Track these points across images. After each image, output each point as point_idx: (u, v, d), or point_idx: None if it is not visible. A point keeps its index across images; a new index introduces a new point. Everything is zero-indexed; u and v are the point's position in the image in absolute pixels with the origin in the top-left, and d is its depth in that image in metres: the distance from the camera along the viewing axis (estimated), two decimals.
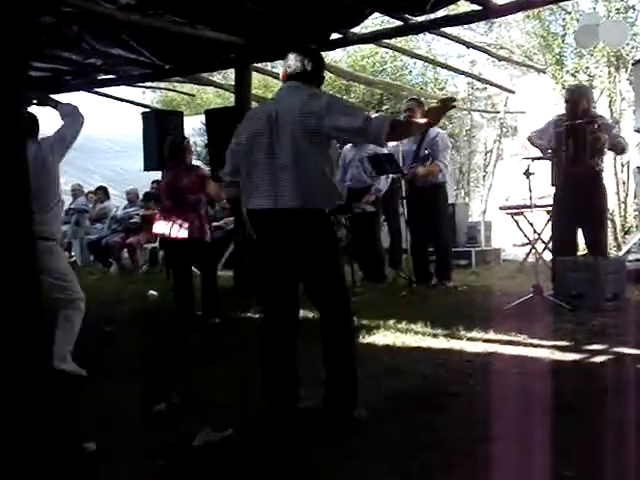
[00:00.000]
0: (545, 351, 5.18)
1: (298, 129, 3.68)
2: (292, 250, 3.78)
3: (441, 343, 5.52)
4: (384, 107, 15.87)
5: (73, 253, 14.74)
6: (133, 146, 12.31)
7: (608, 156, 9.50)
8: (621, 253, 10.20)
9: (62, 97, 5.95)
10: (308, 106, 3.70)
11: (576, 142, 6.89)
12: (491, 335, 5.63)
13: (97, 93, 10.72)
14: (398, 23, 7.71)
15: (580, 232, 7.31)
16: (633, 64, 10.66)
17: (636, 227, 12.23)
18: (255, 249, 3.99)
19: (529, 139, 7.36)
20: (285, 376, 3.89)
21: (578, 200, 6.94)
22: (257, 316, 7.05)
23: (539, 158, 7.21)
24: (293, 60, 3.91)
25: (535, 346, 5.33)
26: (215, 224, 12.94)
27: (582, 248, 7.68)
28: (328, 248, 3.83)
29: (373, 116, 3.73)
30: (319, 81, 3.99)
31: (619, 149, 7.37)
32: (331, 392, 3.77)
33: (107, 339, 6.21)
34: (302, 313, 4.08)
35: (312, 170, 3.71)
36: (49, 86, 9.89)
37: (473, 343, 5.45)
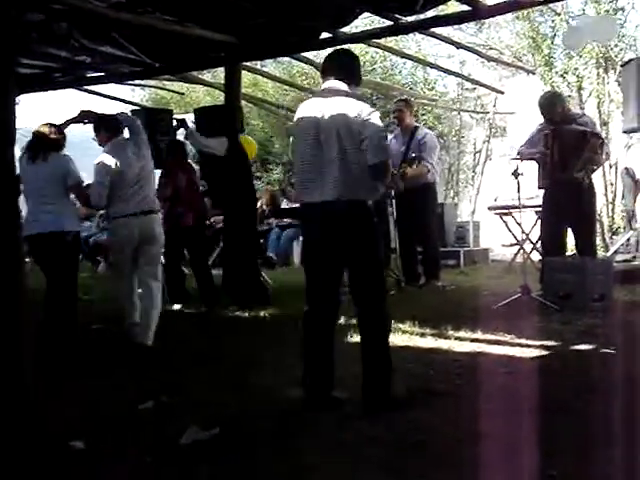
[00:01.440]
0: (532, 351, 5.21)
1: (344, 130, 3.97)
2: (339, 241, 4.03)
3: (429, 342, 5.55)
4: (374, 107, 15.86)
5: None
6: None
7: None
8: (609, 254, 10.25)
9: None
10: (354, 110, 3.98)
11: (561, 147, 6.93)
12: (479, 335, 5.65)
13: (86, 91, 10.68)
14: (388, 23, 7.71)
15: (569, 233, 7.35)
16: (622, 65, 10.69)
17: (624, 228, 12.28)
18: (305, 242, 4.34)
19: (520, 154, 7.36)
20: (325, 364, 4.09)
21: (567, 201, 6.99)
22: (246, 314, 7.13)
23: (527, 158, 7.26)
24: (336, 59, 4.29)
25: (522, 346, 5.36)
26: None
27: (571, 249, 7.71)
28: (372, 239, 4.10)
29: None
30: (359, 81, 4.34)
31: (605, 161, 7.53)
32: (372, 375, 4.02)
33: (96, 337, 6.20)
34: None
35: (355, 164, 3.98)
36: (38, 83, 9.87)
37: (461, 343, 5.47)
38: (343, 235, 4.01)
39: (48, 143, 5.83)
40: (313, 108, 4.14)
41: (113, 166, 5.82)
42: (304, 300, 4.19)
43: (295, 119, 4.30)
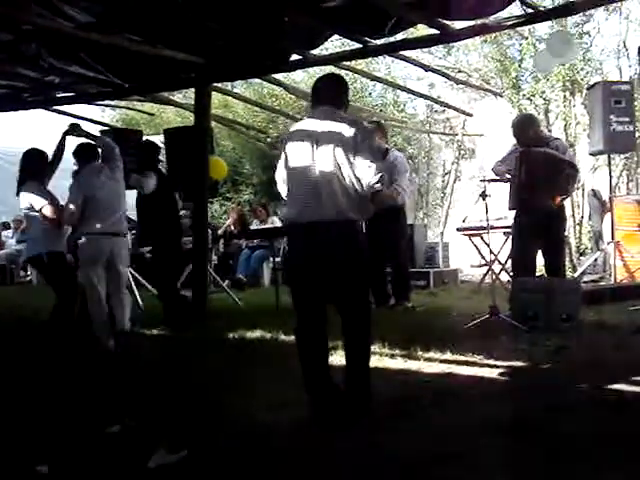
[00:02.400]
0: (501, 371, 5.23)
1: (340, 151, 4.05)
2: (332, 260, 4.10)
3: (399, 364, 5.54)
4: None
5: (29, 272, 14.57)
6: None
7: None
8: (576, 274, 10.36)
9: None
10: (349, 131, 4.06)
11: (528, 169, 6.95)
12: (448, 356, 5.66)
13: (56, 111, 10.62)
14: (358, 45, 7.79)
15: (539, 254, 7.40)
16: (587, 89, 10.88)
17: (591, 249, 12.42)
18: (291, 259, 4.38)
19: (493, 170, 7.44)
20: (325, 377, 4.22)
21: (538, 223, 7.02)
22: (215, 336, 7.09)
23: (495, 180, 7.32)
24: (326, 85, 4.40)
25: (491, 366, 5.37)
26: None
27: (540, 269, 7.78)
28: (362, 258, 4.20)
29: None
30: (347, 106, 4.44)
31: (573, 186, 7.60)
32: (353, 384, 4.17)
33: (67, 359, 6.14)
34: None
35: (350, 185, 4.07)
36: (7, 103, 9.82)
37: (430, 364, 5.48)
38: (335, 254, 4.07)
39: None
40: (308, 127, 4.22)
41: (87, 189, 6.43)
42: (294, 318, 4.30)
43: (288, 137, 4.35)
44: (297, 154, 4.18)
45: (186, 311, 7.89)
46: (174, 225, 8.33)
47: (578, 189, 13.23)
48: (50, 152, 6.81)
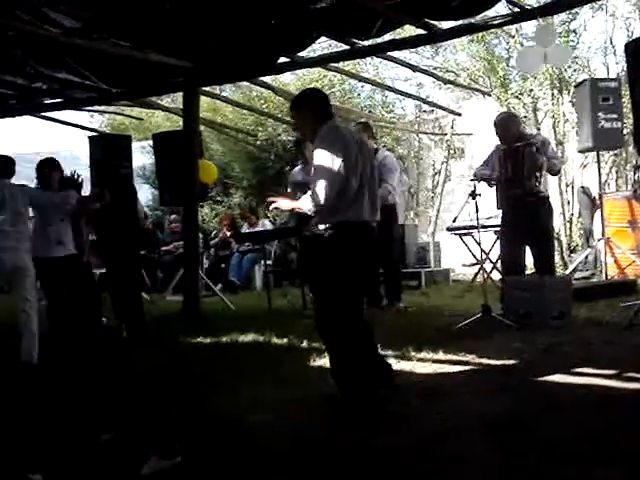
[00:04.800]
0: (493, 370, 5.23)
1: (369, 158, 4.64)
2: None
3: (392, 364, 5.53)
4: None
5: None
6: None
7: (553, 177, 9.73)
8: (567, 272, 10.38)
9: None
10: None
11: (514, 165, 7.13)
12: (441, 355, 5.67)
13: (44, 117, 10.59)
14: (345, 47, 7.79)
15: (528, 251, 7.43)
16: (575, 86, 10.90)
17: (581, 246, 12.44)
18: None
19: (475, 175, 7.47)
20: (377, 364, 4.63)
21: (524, 220, 7.11)
22: (207, 340, 7.07)
23: (485, 179, 7.36)
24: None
25: (484, 366, 5.39)
26: (164, 248, 12.90)
27: (530, 267, 7.79)
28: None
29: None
30: None
31: (554, 171, 7.64)
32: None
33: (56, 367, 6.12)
34: None
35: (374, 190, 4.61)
36: None
37: (423, 364, 5.48)
38: (374, 252, 4.65)
39: None
40: (349, 133, 4.66)
41: None
42: (336, 319, 4.43)
43: (342, 138, 4.50)
44: (351, 157, 4.41)
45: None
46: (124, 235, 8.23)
47: (568, 186, 13.27)
48: None
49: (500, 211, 7.54)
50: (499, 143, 7.50)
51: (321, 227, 4.51)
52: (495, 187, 7.39)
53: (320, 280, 4.63)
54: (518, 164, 7.11)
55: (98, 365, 6.05)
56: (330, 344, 4.58)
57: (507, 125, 7.39)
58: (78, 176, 7.21)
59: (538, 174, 7.09)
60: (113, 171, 8.15)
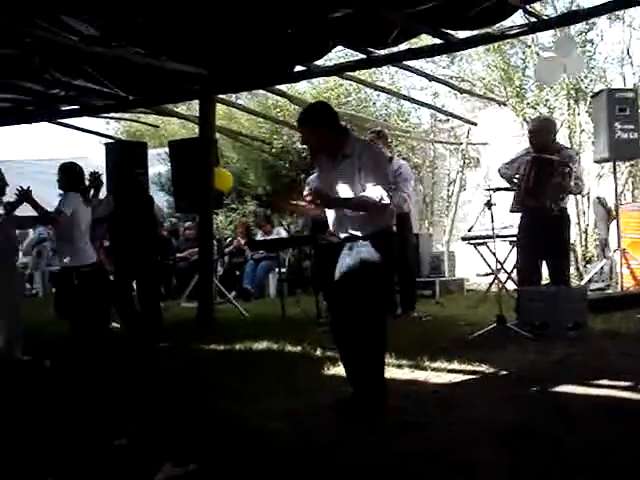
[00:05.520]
0: (507, 380, 5.21)
1: None
2: None
3: (406, 374, 5.52)
4: None
5: (35, 285, 14.57)
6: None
7: None
8: (583, 282, 10.33)
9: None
10: None
11: (539, 177, 6.92)
12: (455, 365, 5.64)
13: (61, 124, 10.66)
14: (361, 56, 7.80)
15: (544, 262, 7.38)
16: (592, 96, 10.87)
17: (597, 257, 12.37)
18: None
19: (499, 171, 7.41)
20: None
21: (542, 233, 7.01)
22: (221, 347, 7.07)
23: (501, 189, 7.30)
24: None
25: (498, 376, 5.36)
26: (179, 255, 12.95)
27: (545, 278, 7.75)
28: None
29: None
30: None
31: (575, 192, 7.53)
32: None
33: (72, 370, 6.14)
34: None
35: None
36: (12, 117, 9.85)
37: (437, 374, 5.46)
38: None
39: None
40: None
41: None
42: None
43: None
44: None
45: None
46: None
47: (584, 197, 13.20)
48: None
49: (515, 221, 7.47)
50: (526, 148, 7.40)
51: (357, 233, 4.42)
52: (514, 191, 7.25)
53: (361, 285, 4.41)
54: (545, 178, 6.90)
55: (113, 370, 6.07)
56: (354, 350, 4.46)
57: (545, 131, 7.19)
58: (99, 175, 7.24)
59: (562, 196, 6.99)
60: (130, 177, 8.13)
